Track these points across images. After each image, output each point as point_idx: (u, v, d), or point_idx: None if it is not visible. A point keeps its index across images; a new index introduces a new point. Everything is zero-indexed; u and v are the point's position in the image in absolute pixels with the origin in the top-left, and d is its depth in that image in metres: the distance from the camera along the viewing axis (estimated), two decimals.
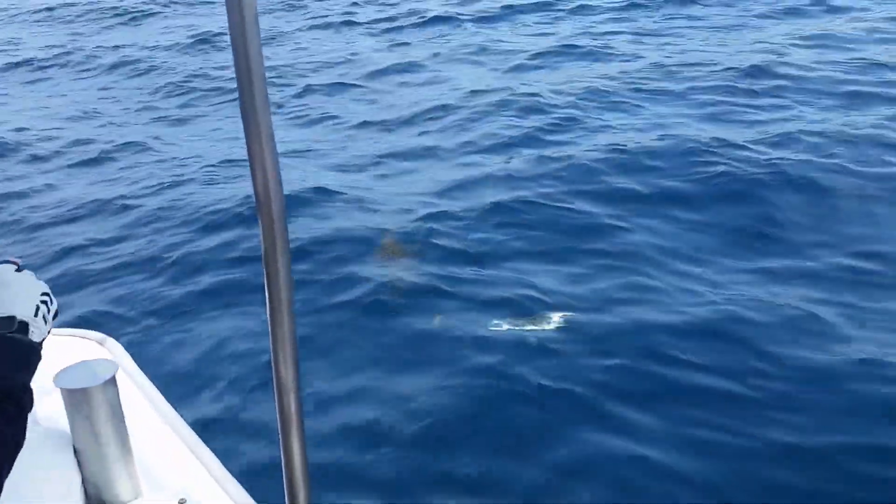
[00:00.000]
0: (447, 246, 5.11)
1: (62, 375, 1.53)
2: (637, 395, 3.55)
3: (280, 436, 1.12)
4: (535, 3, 12.85)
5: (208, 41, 12.36)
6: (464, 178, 6.30)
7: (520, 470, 3.16)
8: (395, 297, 4.52)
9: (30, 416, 1.17)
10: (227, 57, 11.10)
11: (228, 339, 4.28)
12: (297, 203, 5.77)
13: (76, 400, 1.52)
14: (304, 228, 5.46)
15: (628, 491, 3.04)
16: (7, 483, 1.09)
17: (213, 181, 6.73)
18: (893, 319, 4.04)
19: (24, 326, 1.22)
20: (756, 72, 8.16)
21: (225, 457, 3.15)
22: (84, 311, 4.73)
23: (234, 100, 8.92)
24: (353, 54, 11.01)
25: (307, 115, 8.52)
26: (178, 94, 9.86)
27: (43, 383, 1.32)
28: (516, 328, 4.08)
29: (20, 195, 6.76)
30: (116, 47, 12.56)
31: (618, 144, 6.56)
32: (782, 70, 8.17)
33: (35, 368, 1.23)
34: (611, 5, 12.26)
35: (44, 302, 1.27)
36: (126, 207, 6.30)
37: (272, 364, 1.07)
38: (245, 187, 6.27)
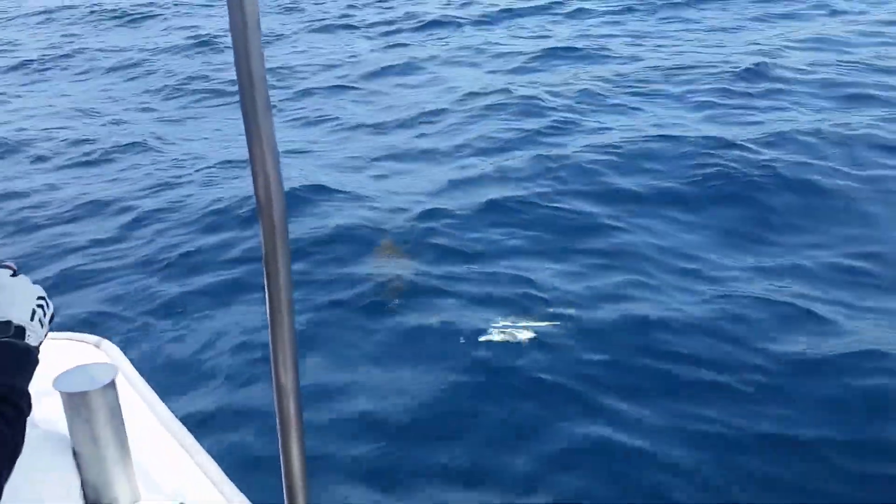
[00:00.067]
0: (445, 245, 5.14)
1: (62, 379, 1.53)
2: (631, 389, 3.59)
3: (279, 439, 1.12)
4: (532, 7, 12.92)
5: (207, 43, 12.40)
6: (461, 178, 6.34)
7: (513, 462, 3.19)
8: (393, 296, 4.56)
9: (28, 420, 1.18)
10: (225, 58, 11.17)
11: (227, 340, 4.29)
12: (295, 202, 5.80)
13: (75, 403, 1.52)
14: (302, 227, 5.49)
15: (621, 482, 3.08)
16: (7, 486, 1.09)
17: (212, 182, 6.76)
18: (885, 316, 4.08)
19: (20, 331, 1.22)
20: (752, 73, 8.22)
21: (223, 456, 3.19)
22: (82, 310, 4.75)
23: (234, 102, 8.97)
24: (350, 56, 11.05)
25: (305, 117, 8.56)
26: (177, 96, 9.89)
27: (41, 387, 1.32)
28: (512, 325, 4.11)
29: (19, 195, 6.78)
30: (116, 49, 12.60)
31: (615, 145, 6.60)
32: (778, 71, 8.22)
33: (32, 372, 1.23)
34: (607, 9, 12.32)
35: (40, 306, 1.27)
36: (125, 208, 6.32)
37: (272, 367, 1.08)
38: (243, 188, 6.31)
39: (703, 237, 5.09)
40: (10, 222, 6.22)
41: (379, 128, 7.93)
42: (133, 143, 7.92)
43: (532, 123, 7.43)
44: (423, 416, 3.51)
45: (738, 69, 8.33)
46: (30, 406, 1.18)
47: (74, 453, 1.57)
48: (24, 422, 1.16)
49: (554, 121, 7.48)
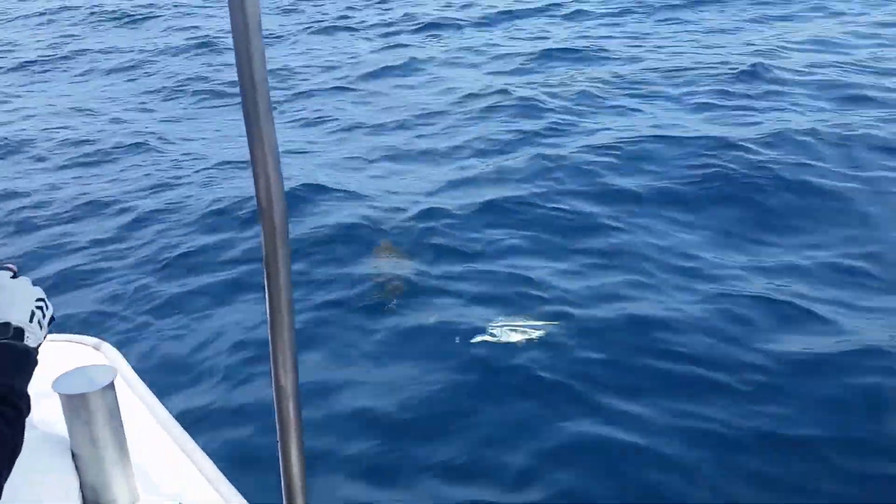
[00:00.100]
0: (443, 244, 5.16)
1: (61, 381, 1.53)
2: (629, 388, 3.61)
3: (279, 440, 1.13)
4: (530, 9, 12.95)
5: (207, 44, 12.42)
6: (460, 178, 6.36)
7: (511, 459, 3.21)
8: (392, 295, 4.58)
9: (28, 421, 1.18)
10: (225, 59, 11.19)
11: (226, 339, 4.31)
12: (294, 202, 5.82)
13: (75, 405, 1.52)
14: (301, 227, 5.51)
15: (619, 480, 3.10)
16: (6, 487, 1.09)
17: (211, 182, 6.77)
18: (883, 315, 4.10)
19: (19, 332, 1.23)
20: (750, 74, 8.25)
21: (221, 455, 3.21)
22: (81, 310, 4.77)
23: (233, 103, 9.00)
24: (349, 57, 11.07)
25: (305, 117, 8.57)
26: (177, 96, 9.90)
27: (40, 388, 1.31)
28: (510, 324, 4.13)
29: (19, 195, 6.80)
30: (116, 49, 12.61)
31: (613, 145, 6.62)
32: (775, 73, 8.25)
33: (31, 374, 1.23)
34: (605, 11, 12.35)
35: (39, 308, 1.28)
36: (125, 208, 6.33)
37: (271, 368, 1.08)
38: (243, 188, 6.33)
39: (701, 237, 5.11)
40: (10, 222, 6.23)
41: (378, 128, 7.95)
42: (133, 144, 7.93)
43: (530, 124, 7.46)
44: (422, 415, 3.53)
45: (736, 70, 8.36)
46: (29, 407, 1.19)
47: (73, 455, 1.58)
48: (24, 422, 1.16)
49: (552, 121, 7.50)
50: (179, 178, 6.96)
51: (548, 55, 9.98)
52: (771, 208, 5.46)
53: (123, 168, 7.37)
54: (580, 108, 7.87)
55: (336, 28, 13.18)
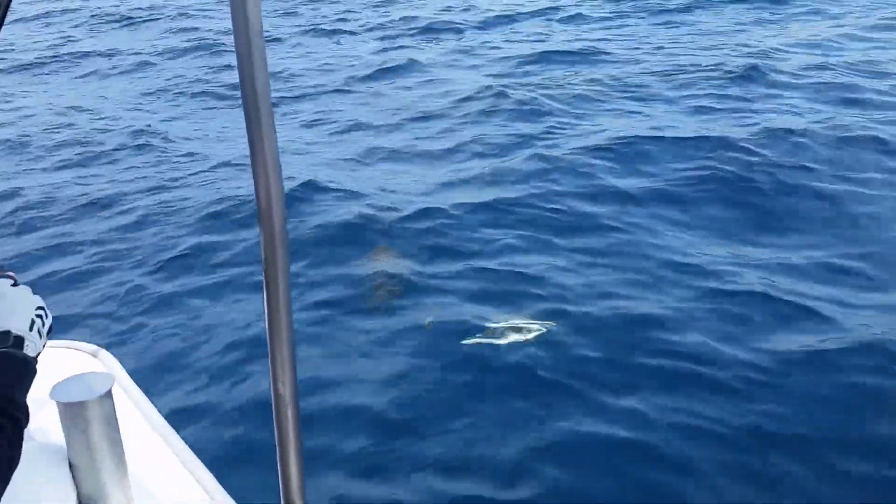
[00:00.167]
0: (441, 244, 5.19)
1: (58, 389, 1.51)
2: (624, 384, 3.64)
3: (277, 447, 1.12)
4: (529, 12, 13.01)
5: (207, 46, 12.46)
6: (458, 178, 6.39)
7: (505, 455, 3.24)
8: (389, 295, 4.61)
9: (25, 431, 1.16)
10: (224, 61, 11.22)
11: (226, 339, 4.32)
12: (292, 202, 5.84)
13: (72, 414, 1.50)
14: (299, 227, 5.53)
15: (612, 475, 3.12)
16: (2, 499, 1.08)
17: (210, 183, 6.81)
18: (878, 313, 4.13)
19: (19, 341, 1.21)
20: (746, 76, 8.31)
21: (219, 457, 3.24)
22: (81, 310, 4.78)
23: (234, 106, 9.03)
24: (348, 59, 11.11)
25: (303, 119, 8.60)
26: (177, 97, 9.93)
27: (37, 395, 1.28)
28: (508, 323, 4.16)
29: (19, 195, 6.83)
30: (116, 51, 12.65)
31: (611, 146, 6.66)
32: (772, 74, 8.31)
33: (30, 384, 1.21)
34: (604, 14, 12.41)
35: (39, 316, 1.26)
36: (124, 209, 6.35)
37: (270, 377, 1.07)
38: (240, 189, 6.36)
39: (697, 236, 5.15)
40: (9, 222, 6.26)
41: (376, 129, 7.98)
42: (133, 145, 7.96)
43: (528, 125, 7.50)
44: (419, 413, 3.55)
45: (732, 72, 8.42)
46: (27, 418, 1.17)
47: (70, 464, 1.56)
48: (22, 434, 1.15)
49: (550, 123, 7.54)
50: (179, 178, 6.99)
51: (546, 57, 10.02)
52: (767, 208, 5.50)
53: (123, 168, 7.39)
54: (578, 109, 7.92)
55: (335, 31, 13.22)
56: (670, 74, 8.74)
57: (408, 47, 11.53)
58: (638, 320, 4.15)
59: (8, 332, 1.20)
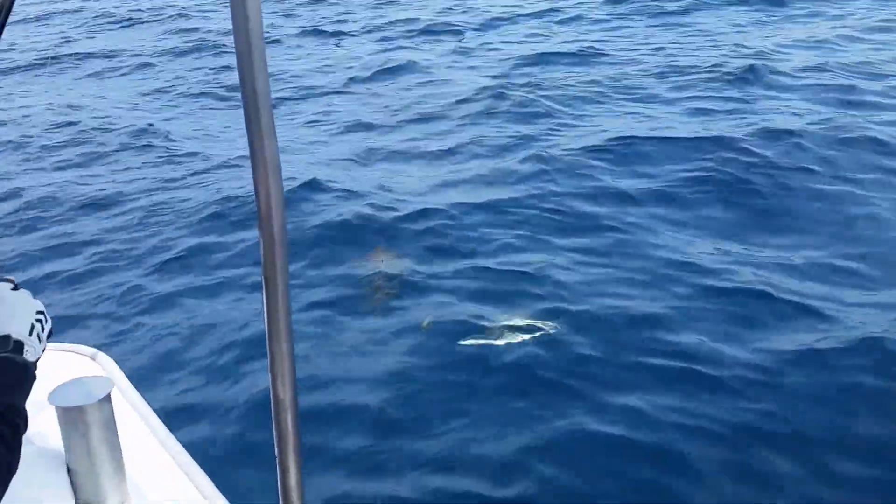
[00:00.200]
0: (439, 244, 5.21)
1: (57, 393, 1.50)
2: (621, 383, 3.66)
3: (276, 453, 1.12)
4: (528, 14, 13.02)
5: (207, 48, 12.48)
6: (456, 179, 6.41)
7: (503, 453, 3.26)
8: (387, 295, 4.63)
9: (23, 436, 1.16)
10: (224, 62, 11.22)
11: (225, 339, 4.34)
12: (289, 202, 5.87)
13: (71, 418, 1.49)
14: (298, 227, 5.54)
15: (609, 473, 3.14)
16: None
17: (211, 183, 6.83)
18: (875, 312, 4.15)
19: (19, 345, 1.20)
20: (744, 76, 8.33)
21: (218, 455, 3.25)
22: (77, 310, 4.79)
23: (234, 106, 9.04)
24: (347, 60, 11.13)
25: (302, 119, 8.62)
26: (176, 98, 9.96)
27: (36, 399, 1.27)
28: (506, 322, 4.18)
29: (19, 194, 6.84)
30: (116, 51, 12.66)
31: (609, 146, 6.68)
32: (769, 74, 8.34)
33: (30, 390, 1.20)
34: (602, 17, 12.43)
35: (38, 321, 1.26)
36: (122, 209, 6.37)
37: (270, 381, 1.07)
38: (239, 190, 6.37)
39: (696, 236, 5.17)
40: (9, 222, 6.27)
41: (375, 129, 8.00)
42: (132, 145, 7.98)
43: (527, 125, 7.51)
44: (418, 411, 3.57)
45: (731, 73, 8.44)
46: (26, 424, 1.16)
47: (69, 469, 1.55)
48: (20, 440, 1.14)
49: (549, 123, 7.56)
50: (179, 179, 7.00)
51: (545, 59, 10.04)
52: (765, 208, 5.52)
53: (123, 168, 7.41)
54: (576, 110, 7.93)
55: (335, 32, 13.24)
56: (669, 76, 8.77)
57: (407, 48, 11.54)
58: (636, 320, 4.17)
59: (7, 337, 1.20)
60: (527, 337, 4.03)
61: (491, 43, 11.44)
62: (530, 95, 8.36)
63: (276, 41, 12.58)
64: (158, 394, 3.74)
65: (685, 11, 12.09)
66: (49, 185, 7.04)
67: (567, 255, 4.98)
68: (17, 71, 11.95)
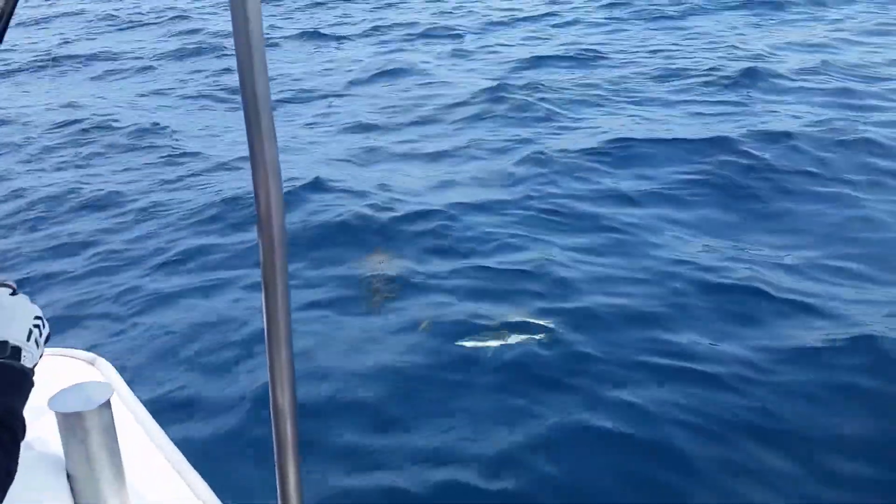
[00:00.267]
0: (438, 244, 5.22)
1: (56, 399, 1.49)
2: (620, 381, 3.68)
3: (275, 459, 1.11)
4: (526, 17, 13.08)
5: (206, 49, 12.51)
6: (455, 179, 6.42)
7: (501, 447, 3.28)
8: (384, 296, 4.65)
9: (22, 441, 1.15)
10: (224, 63, 11.25)
11: (224, 339, 4.36)
12: (288, 200, 5.87)
13: (71, 424, 1.48)
14: (294, 226, 5.57)
15: (605, 468, 3.16)
16: None
17: (211, 184, 6.85)
18: (871, 310, 4.17)
19: (16, 351, 1.19)
20: (742, 78, 8.37)
21: (217, 455, 3.26)
22: (79, 310, 4.81)
23: (233, 108, 9.07)
24: (346, 61, 11.17)
25: (301, 120, 8.65)
26: (176, 100, 9.98)
27: (34, 405, 1.26)
28: (504, 322, 4.21)
29: (19, 194, 6.86)
30: (116, 52, 12.69)
31: (607, 147, 6.71)
32: (767, 76, 8.39)
33: (28, 395, 1.20)
34: (600, 19, 12.47)
35: (36, 326, 1.25)
36: (122, 209, 6.38)
37: (269, 387, 1.06)
38: (239, 191, 6.39)
39: (695, 236, 5.18)
40: (9, 222, 6.29)
41: (375, 131, 8.02)
42: (132, 146, 7.99)
43: (525, 128, 7.55)
44: (417, 410, 3.57)
45: (729, 76, 8.48)
46: (24, 430, 1.15)
47: (68, 475, 1.55)
48: (19, 446, 1.13)
49: (547, 125, 7.59)
50: (179, 179, 7.02)
51: (543, 62, 10.08)
52: (763, 209, 5.55)
53: (123, 169, 7.43)
54: (575, 112, 7.97)
55: (334, 35, 13.28)
56: (667, 78, 8.81)
57: (406, 51, 11.58)
58: (634, 318, 4.19)
59: (5, 343, 1.19)
60: (525, 335, 4.05)
61: (490, 46, 11.49)
62: (529, 98, 8.40)
63: (277, 44, 12.62)
64: (158, 394, 3.76)
65: (683, 15, 12.16)
66: (49, 185, 7.05)
67: (565, 255, 5.00)
68: (18, 72, 11.98)
